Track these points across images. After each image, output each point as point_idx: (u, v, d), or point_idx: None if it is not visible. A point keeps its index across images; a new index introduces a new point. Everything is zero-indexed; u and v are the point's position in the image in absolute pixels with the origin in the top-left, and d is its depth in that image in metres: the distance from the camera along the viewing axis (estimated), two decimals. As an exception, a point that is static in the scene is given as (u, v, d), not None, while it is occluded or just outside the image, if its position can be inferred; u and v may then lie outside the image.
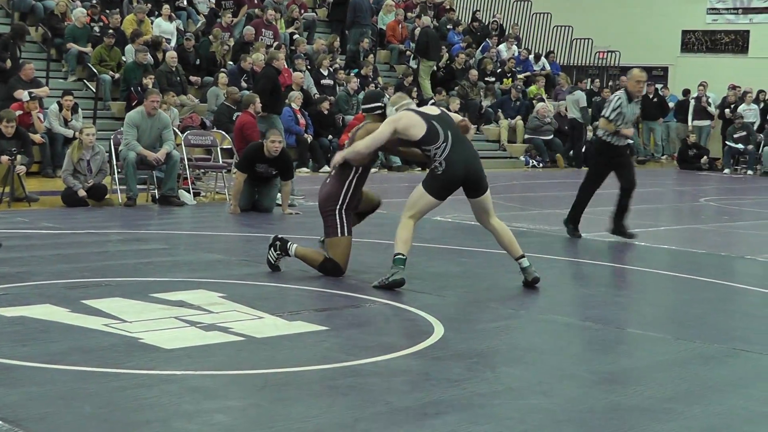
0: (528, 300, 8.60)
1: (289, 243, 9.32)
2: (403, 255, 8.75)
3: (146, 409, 5.26)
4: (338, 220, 9.18)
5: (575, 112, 26.75)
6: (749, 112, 27.09)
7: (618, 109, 12.01)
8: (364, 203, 9.54)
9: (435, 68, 26.97)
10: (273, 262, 9.33)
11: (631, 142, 12.68)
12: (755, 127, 26.86)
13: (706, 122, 28.11)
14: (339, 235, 9.17)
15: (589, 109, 26.83)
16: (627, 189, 12.37)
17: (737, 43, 30.48)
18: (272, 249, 9.34)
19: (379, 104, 9.41)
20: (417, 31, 27.42)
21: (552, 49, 31.40)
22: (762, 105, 27.60)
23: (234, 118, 18.58)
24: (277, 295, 8.49)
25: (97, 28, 21.36)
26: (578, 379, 6.23)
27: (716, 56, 30.55)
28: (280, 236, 9.42)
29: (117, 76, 20.26)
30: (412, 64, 26.92)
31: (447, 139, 8.76)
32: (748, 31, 30.29)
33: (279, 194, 14.22)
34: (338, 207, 9.16)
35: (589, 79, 30.97)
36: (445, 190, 8.91)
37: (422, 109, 9.23)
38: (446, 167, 8.73)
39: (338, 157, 9.16)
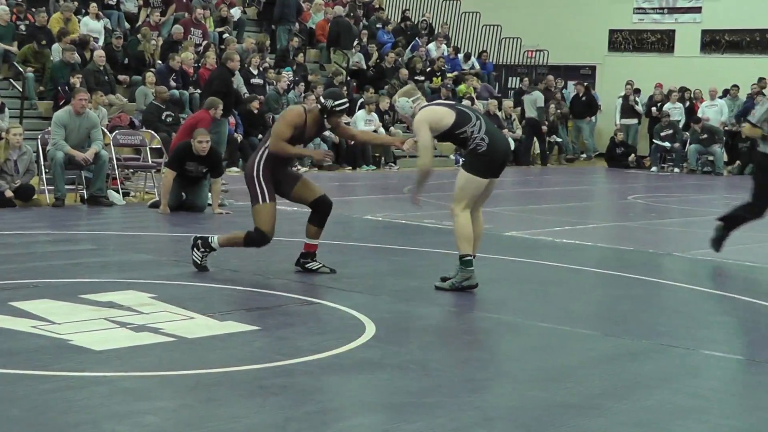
0: (460, 298, 8.62)
1: (209, 237, 9.29)
2: (471, 255, 8.68)
3: (76, 411, 5.21)
4: (257, 188, 9.09)
5: (533, 111, 27.02)
6: (675, 111, 27.41)
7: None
8: (304, 191, 9.44)
9: (363, 65, 27.02)
10: (199, 262, 9.28)
11: None
12: (681, 125, 27.18)
13: (634, 120, 28.42)
14: (260, 202, 9.08)
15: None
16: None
17: (663, 42, 30.80)
18: (195, 249, 9.28)
19: (346, 101, 9.41)
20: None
21: (480, 47, 31.54)
22: (687, 104, 27.93)
23: (163, 117, 18.52)
24: (208, 295, 8.45)
25: (23, 27, 21.12)
26: (509, 376, 6.26)
27: (643, 55, 30.86)
28: (198, 235, 9.39)
29: (43, 82, 20.00)
30: (334, 58, 26.89)
31: (479, 118, 8.72)
32: (673, 31, 30.62)
33: (210, 194, 14.19)
34: (255, 173, 9.10)
35: (517, 78, 31.21)
36: (492, 166, 8.74)
37: (440, 101, 9.09)
38: (490, 142, 8.61)
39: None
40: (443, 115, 8.68)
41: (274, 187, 9.17)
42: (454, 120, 8.62)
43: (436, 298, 8.59)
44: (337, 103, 9.20)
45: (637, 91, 28.68)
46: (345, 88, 25.33)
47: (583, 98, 29.11)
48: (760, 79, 27.21)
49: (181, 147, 14.11)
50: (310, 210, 9.49)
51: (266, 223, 9.08)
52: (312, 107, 9.35)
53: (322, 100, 9.23)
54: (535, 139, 27.65)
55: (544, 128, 27.54)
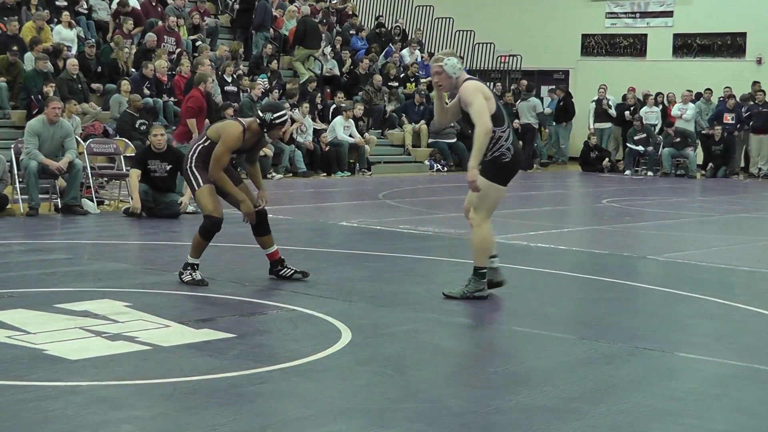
0: (433, 304, 8.63)
1: (187, 258, 9.24)
2: (485, 269, 8.63)
3: (52, 421, 5.19)
4: (192, 177, 9.13)
5: (529, 117, 27.21)
6: (651, 115, 27.48)
7: None
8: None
9: (337, 71, 27.02)
10: (193, 278, 9.09)
11: None
12: (656, 129, 27.26)
13: (607, 125, 28.40)
14: (197, 188, 9.12)
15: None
16: None
17: (635, 46, 30.94)
18: (182, 276, 9.14)
19: (285, 113, 9.31)
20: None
21: (456, 54, 31.56)
22: (661, 107, 27.99)
23: (137, 125, 18.49)
24: (184, 303, 8.43)
25: (-5, 36, 21.03)
26: (485, 380, 6.27)
27: (615, 59, 30.97)
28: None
29: (15, 91, 19.92)
30: (302, 59, 26.81)
31: (509, 126, 8.60)
32: (645, 35, 30.75)
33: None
34: (188, 165, 9.14)
35: (492, 83, 31.25)
36: (511, 177, 8.64)
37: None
38: (514, 153, 8.52)
39: (473, 174, 8.48)
40: (491, 97, 8.50)
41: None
42: (494, 113, 8.43)
43: (409, 303, 8.59)
44: (276, 116, 9.13)
45: (625, 98, 28.56)
46: (319, 94, 25.36)
47: (561, 103, 29.13)
48: (755, 83, 27.22)
49: (142, 148, 14.93)
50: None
51: (208, 205, 9.11)
52: (250, 122, 9.25)
53: (261, 114, 9.16)
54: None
55: (546, 131, 27.74)
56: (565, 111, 29.20)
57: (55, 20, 22.57)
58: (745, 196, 21.57)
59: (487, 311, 8.41)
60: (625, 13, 31.11)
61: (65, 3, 23.26)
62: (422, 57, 29.72)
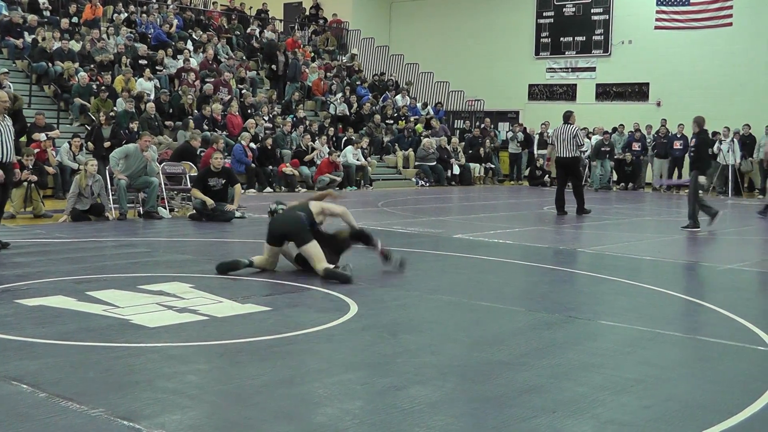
0: (420, 284, 8.62)
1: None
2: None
3: (136, 372, 5.19)
4: None
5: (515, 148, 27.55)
6: (585, 143, 27.48)
7: None
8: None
9: (347, 112, 27.02)
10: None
11: None
12: (586, 155, 27.25)
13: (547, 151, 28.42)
14: None
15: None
16: None
17: (568, 93, 30.96)
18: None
19: None
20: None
21: (434, 99, 31.58)
22: (592, 139, 28.02)
23: (198, 153, 18.46)
24: (233, 285, 8.42)
25: (94, 86, 21.04)
26: (458, 342, 6.26)
27: (553, 103, 30.96)
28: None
29: (111, 117, 19.93)
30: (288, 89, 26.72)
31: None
32: (575, 84, 30.80)
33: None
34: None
35: (462, 121, 31.25)
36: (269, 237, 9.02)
37: None
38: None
39: None
40: None
41: None
42: None
43: (402, 285, 8.58)
44: None
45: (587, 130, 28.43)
46: (333, 129, 25.35)
47: (519, 134, 29.06)
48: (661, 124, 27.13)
49: (202, 171, 15.01)
50: None
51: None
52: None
53: None
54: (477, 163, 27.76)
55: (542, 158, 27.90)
56: (524, 142, 29.09)
57: (138, 75, 22.59)
58: (648, 205, 21.55)
59: (458, 290, 8.39)
60: (561, 68, 31.14)
61: (146, 62, 23.29)
62: (410, 101, 29.72)
